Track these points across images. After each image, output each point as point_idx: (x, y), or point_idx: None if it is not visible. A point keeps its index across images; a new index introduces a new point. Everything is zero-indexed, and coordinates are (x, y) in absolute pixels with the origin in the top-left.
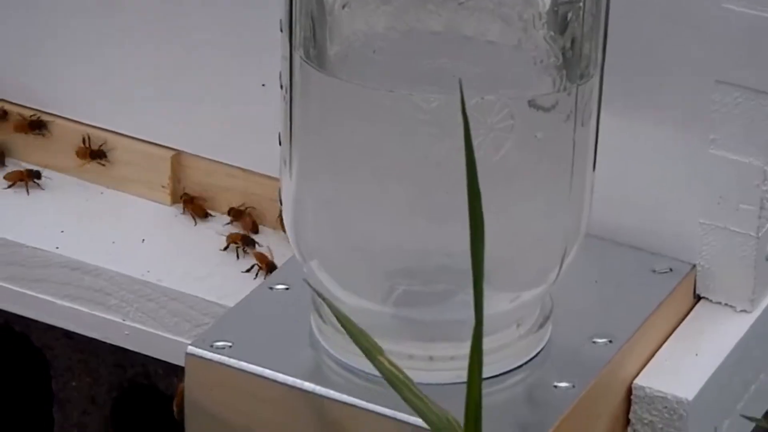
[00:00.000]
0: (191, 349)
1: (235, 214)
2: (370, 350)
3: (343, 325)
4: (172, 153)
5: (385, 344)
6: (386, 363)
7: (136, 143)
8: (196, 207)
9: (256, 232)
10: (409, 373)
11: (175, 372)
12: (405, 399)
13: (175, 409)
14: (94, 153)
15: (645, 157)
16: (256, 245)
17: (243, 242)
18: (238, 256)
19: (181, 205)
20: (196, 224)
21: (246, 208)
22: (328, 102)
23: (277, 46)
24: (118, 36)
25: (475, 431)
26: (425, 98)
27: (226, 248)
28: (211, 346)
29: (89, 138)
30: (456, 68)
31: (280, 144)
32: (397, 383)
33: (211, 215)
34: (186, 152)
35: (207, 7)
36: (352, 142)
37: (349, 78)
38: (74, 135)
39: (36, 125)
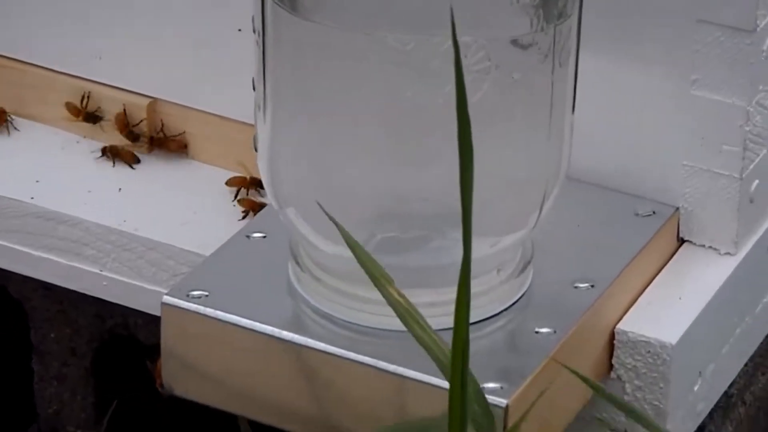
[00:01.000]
0: (167, 298)
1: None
2: (380, 280)
3: (353, 252)
4: (148, 100)
5: (365, 292)
6: (395, 294)
7: (113, 91)
8: (124, 154)
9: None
10: (389, 321)
11: (155, 323)
12: (413, 332)
13: (156, 380)
14: (88, 115)
15: (626, 99)
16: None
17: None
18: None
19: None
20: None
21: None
22: (302, 45)
23: None
24: None
25: (462, 374)
26: (401, 39)
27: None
28: (187, 295)
29: (88, 97)
30: (431, 8)
31: (254, 89)
32: (406, 315)
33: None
34: (162, 99)
35: None
36: (327, 85)
37: (322, 20)
38: (52, 84)
39: None
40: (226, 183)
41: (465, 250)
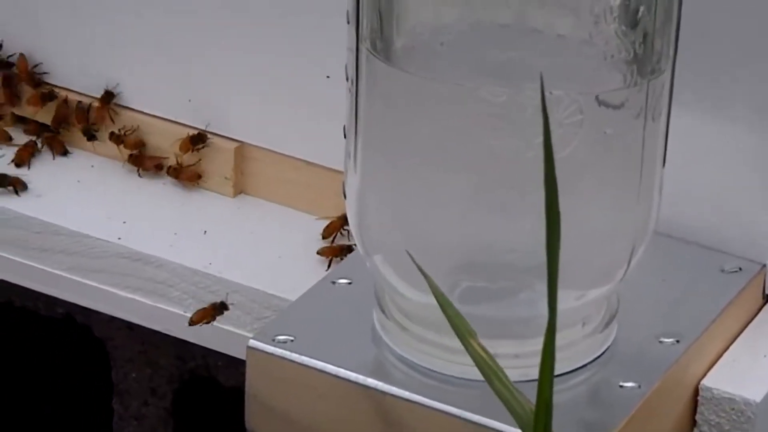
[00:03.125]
0: (253, 342)
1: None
2: (464, 333)
3: (439, 304)
4: (236, 144)
5: (450, 341)
6: (478, 348)
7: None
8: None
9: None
10: (473, 371)
11: (236, 365)
12: (493, 387)
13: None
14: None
15: (715, 154)
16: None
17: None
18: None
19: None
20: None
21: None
22: (394, 95)
23: (342, 37)
24: (182, 27)
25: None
26: (493, 92)
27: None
28: (273, 340)
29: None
30: (525, 61)
31: (345, 137)
32: (487, 370)
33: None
34: (249, 144)
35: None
36: (418, 135)
37: (415, 71)
38: (141, 124)
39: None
40: (323, 235)
41: (550, 308)
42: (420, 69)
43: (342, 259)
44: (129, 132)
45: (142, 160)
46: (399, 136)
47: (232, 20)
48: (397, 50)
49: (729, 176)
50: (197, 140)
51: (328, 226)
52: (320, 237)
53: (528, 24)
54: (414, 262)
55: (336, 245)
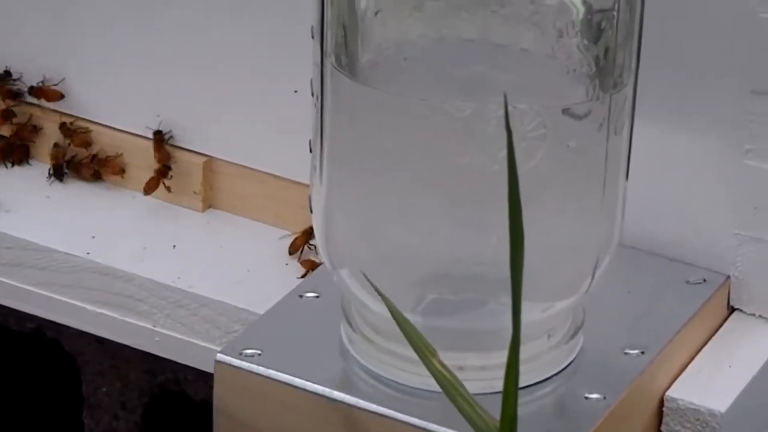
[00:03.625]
0: (220, 356)
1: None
2: (423, 350)
3: (397, 322)
4: (204, 159)
5: (414, 354)
6: (438, 365)
7: (169, 149)
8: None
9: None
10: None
11: (205, 379)
12: (455, 404)
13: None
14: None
15: (679, 167)
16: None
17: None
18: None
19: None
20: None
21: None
22: (359, 109)
23: (309, 52)
24: (149, 43)
25: None
26: (457, 106)
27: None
28: (240, 353)
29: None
30: (489, 76)
31: (310, 151)
32: (449, 387)
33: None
34: (218, 158)
35: (239, 13)
36: (383, 149)
37: (380, 86)
38: (109, 140)
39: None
40: (290, 251)
41: (514, 327)
42: (384, 84)
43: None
44: (81, 130)
45: (79, 167)
46: (364, 151)
47: (200, 35)
48: (362, 65)
49: (692, 188)
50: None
51: (293, 243)
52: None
53: (492, 39)
54: (369, 281)
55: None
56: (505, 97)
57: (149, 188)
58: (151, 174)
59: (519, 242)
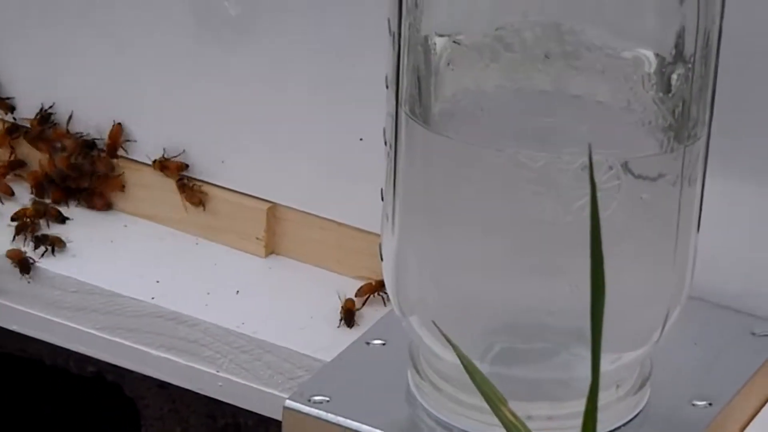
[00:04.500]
0: (289, 402)
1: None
2: (493, 399)
3: (467, 370)
4: (268, 205)
5: (483, 402)
6: (509, 414)
7: (233, 194)
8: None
9: None
10: None
11: (266, 424)
12: None
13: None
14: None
15: (746, 219)
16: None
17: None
18: None
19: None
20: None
21: None
22: (432, 159)
23: (375, 100)
24: (217, 88)
25: None
26: (532, 156)
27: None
28: (309, 400)
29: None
30: (564, 127)
31: (382, 199)
32: None
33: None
34: (281, 204)
35: (307, 60)
36: (456, 198)
37: (454, 135)
38: (173, 185)
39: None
40: (356, 294)
41: (593, 374)
42: (459, 133)
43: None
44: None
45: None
46: (437, 200)
47: (265, 81)
48: (436, 115)
49: (759, 240)
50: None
51: (362, 287)
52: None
53: (567, 90)
54: (440, 331)
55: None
56: (589, 147)
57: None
58: (209, 218)
59: (600, 294)
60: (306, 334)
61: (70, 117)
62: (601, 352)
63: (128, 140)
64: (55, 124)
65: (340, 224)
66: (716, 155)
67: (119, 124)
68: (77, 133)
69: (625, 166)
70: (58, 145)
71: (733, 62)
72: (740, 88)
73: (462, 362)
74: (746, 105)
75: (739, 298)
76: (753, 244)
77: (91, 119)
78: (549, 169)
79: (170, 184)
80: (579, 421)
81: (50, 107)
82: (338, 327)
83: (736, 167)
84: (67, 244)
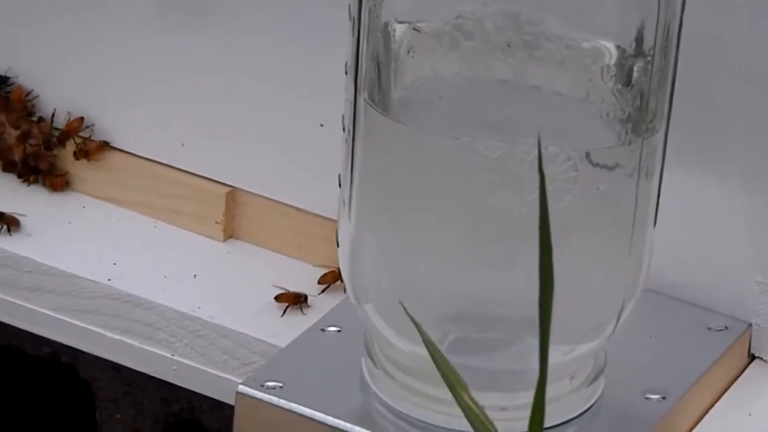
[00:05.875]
0: (242, 388)
1: None
2: (455, 385)
3: (431, 355)
4: (227, 189)
5: (437, 392)
6: (469, 401)
7: (192, 178)
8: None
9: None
10: (461, 423)
11: (221, 409)
12: None
13: None
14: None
15: (704, 213)
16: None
17: (295, 301)
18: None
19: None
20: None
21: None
22: (390, 146)
23: (335, 87)
24: (177, 71)
25: None
26: (489, 146)
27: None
28: (262, 386)
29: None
30: (522, 117)
31: (340, 186)
32: (478, 424)
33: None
34: (241, 189)
35: (267, 46)
36: (413, 187)
37: (412, 123)
38: (132, 168)
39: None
40: (319, 281)
41: (541, 366)
42: (417, 121)
43: (299, 306)
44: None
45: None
46: (394, 187)
47: (227, 65)
48: (395, 102)
49: (717, 235)
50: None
51: (325, 276)
52: (313, 282)
53: (526, 80)
54: (407, 313)
55: (291, 293)
56: (539, 140)
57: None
58: (168, 201)
59: (549, 286)
60: (262, 319)
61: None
62: (550, 344)
63: (87, 126)
64: (10, 87)
65: (300, 210)
66: (673, 148)
67: (81, 117)
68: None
69: (583, 158)
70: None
71: (692, 55)
72: (700, 81)
73: (426, 345)
74: (705, 98)
75: (696, 292)
76: (711, 238)
77: (49, 96)
78: (506, 159)
79: (131, 166)
80: None
81: (6, 71)
82: (281, 317)
83: (695, 161)
84: (24, 224)
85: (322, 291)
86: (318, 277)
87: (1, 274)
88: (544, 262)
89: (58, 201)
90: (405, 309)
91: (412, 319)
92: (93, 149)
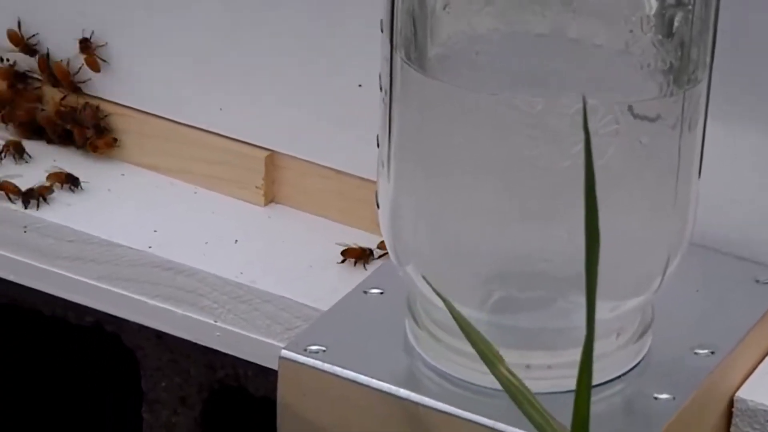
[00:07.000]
0: (285, 353)
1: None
2: (489, 357)
3: (461, 327)
4: (267, 153)
5: None
6: (505, 372)
7: (231, 143)
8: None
9: None
10: None
11: (266, 374)
12: (523, 411)
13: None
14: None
15: (750, 165)
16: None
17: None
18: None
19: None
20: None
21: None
22: (428, 104)
23: (373, 47)
24: (213, 36)
25: None
26: (528, 101)
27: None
28: (305, 350)
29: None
30: (561, 71)
31: (378, 146)
32: (516, 394)
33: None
34: (280, 152)
35: (303, 7)
36: (453, 144)
37: (450, 80)
38: (172, 134)
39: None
40: (342, 253)
41: (588, 324)
42: (454, 78)
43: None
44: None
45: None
46: (433, 146)
47: (265, 30)
48: (432, 59)
49: (764, 185)
50: None
51: (348, 250)
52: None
53: (564, 34)
54: (432, 287)
55: (358, 247)
56: (584, 99)
57: None
58: (208, 167)
59: (595, 242)
60: (305, 283)
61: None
62: (596, 302)
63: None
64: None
65: (340, 173)
66: (717, 99)
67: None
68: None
69: (624, 110)
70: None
71: (735, 3)
72: (742, 30)
73: (456, 320)
74: (748, 47)
75: (743, 246)
76: (756, 191)
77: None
78: (545, 113)
79: (170, 133)
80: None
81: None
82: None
83: (742, 112)
84: (62, 194)
85: (342, 261)
86: (359, 239)
87: (42, 243)
88: (590, 221)
89: (97, 168)
90: (426, 280)
91: (437, 292)
92: (102, 145)
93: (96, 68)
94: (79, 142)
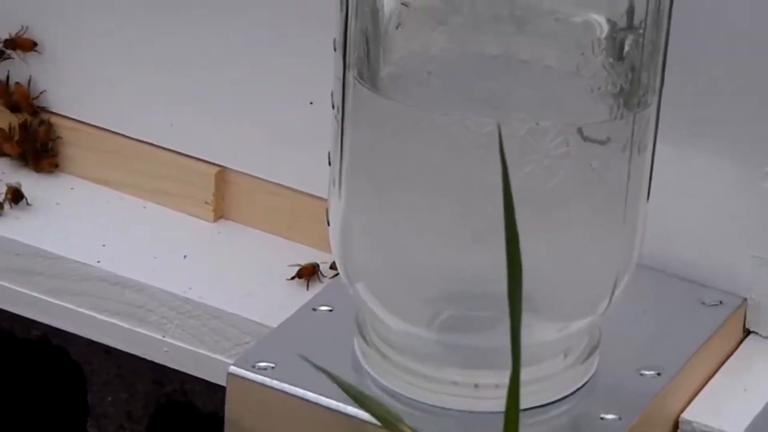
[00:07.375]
0: (233, 369)
1: None
2: (389, 419)
3: (355, 399)
4: (217, 169)
5: (430, 370)
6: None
7: (180, 158)
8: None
9: None
10: (454, 401)
11: (213, 390)
12: None
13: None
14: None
15: (698, 188)
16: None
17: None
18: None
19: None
20: None
21: None
22: (380, 123)
23: (325, 64)
24: (164, 51)
25: None
26: (479, 122)
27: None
28: (253, 366)
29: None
30: (512, 92)
31: (329, 164)
32: None
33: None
34: (230, 168)
35: (256, 25)
36: (404, 164)
37: (402, 99)
38: (121, 149)
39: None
40: (298, 275)
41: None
42: (407, 98)
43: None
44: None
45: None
46: (384, 165)
47: (215, 45)
48: (384, 78)
49: (711, 209)
50: None
51: (301, 270)
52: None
53: (516, 55)
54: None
55: (309, 264)
56: (498, 126)
57: None
58: (157, 182)
59: (517, 268)
60: (254, 299)
61: None
62: (540, 320)
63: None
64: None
65: (291, 189)
66: (666, 122)
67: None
68: None
69: (574, 133)
70: None
71: (684, 28)
72: (691, 54)
73: (349, 392)
74: (697, 71)
75: (690, 268)
76: (704, 214)
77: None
78: (496, 135)
79: (120, 147)
80: (526, 389)
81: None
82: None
83: (689, 135)
84: (11, 208)
85: (293, 277)
86: (309, 256)
87: None
88: (511, 245)
89: (46, 183)
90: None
91: (333, 379)
92: (45, 165)
93: (28, 47)
94: (31, 162)
